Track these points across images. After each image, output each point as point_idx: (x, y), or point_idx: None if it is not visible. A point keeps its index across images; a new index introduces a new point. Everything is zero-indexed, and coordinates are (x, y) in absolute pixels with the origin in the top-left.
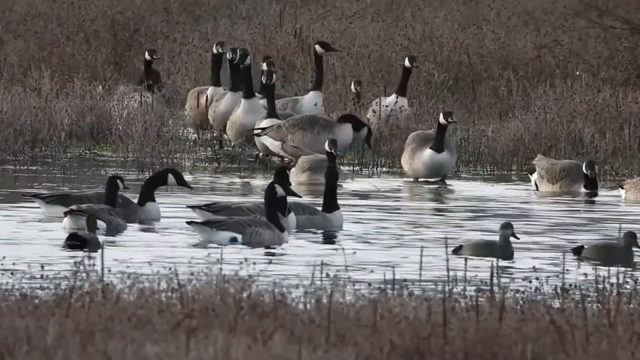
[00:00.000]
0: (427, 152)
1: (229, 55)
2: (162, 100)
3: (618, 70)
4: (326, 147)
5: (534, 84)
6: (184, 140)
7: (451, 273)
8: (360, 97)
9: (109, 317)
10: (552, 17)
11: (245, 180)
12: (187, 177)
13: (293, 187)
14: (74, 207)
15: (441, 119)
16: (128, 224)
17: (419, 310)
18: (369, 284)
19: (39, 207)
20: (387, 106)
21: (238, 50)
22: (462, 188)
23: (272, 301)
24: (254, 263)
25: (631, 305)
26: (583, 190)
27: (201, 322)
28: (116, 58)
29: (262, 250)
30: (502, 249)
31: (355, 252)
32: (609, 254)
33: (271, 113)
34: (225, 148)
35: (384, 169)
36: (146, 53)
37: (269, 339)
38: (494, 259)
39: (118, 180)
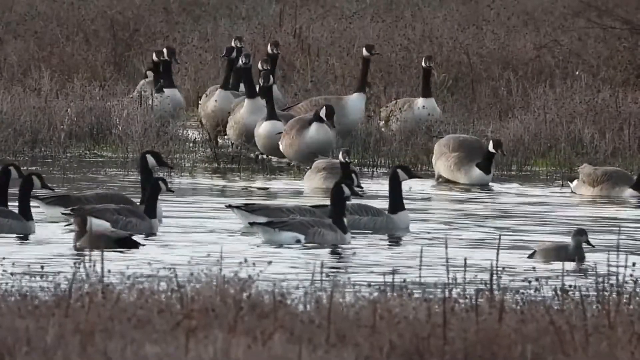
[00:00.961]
0: (477, 172)
1: (242, 61)
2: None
3: (618, 70)
4: (340, 157)
5: (534, 84)
6: (184, 140)
7: (451, 274)
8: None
9: (108, 317)
10: (551, 17)
11: (246, 180)
12: (187, 178)
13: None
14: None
15: (490, 148)
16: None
17: (418, 311)
18: (369, 285)
19: (38, 208)
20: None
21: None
22: (494, 190)
23: (272, 301)
24: (254, 264)
25: (631, 306)
26: (630, 193)
27: (201, 322)
28: (116, 58)
29: (262, 250)
30: (576, 254)
31: (355, 253)
32: (558, 254)
33: (271, 115)
34: (225, 150)
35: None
36: (153, 54)
37: (269, 339)
38: (567, 262)
39: (161, 182)
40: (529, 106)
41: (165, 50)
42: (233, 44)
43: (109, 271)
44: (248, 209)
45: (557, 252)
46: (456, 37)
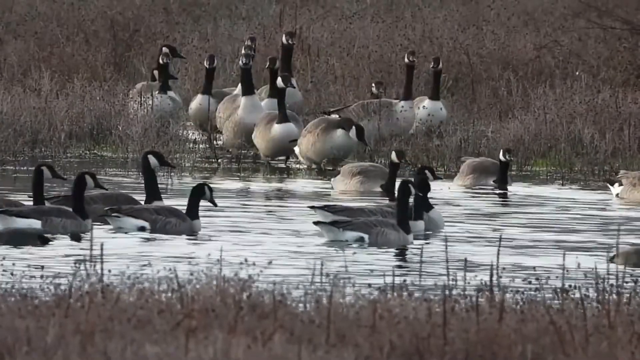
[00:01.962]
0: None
1: (242, 61)
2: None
3: (618, 70)
4: (394, 158)
5: (534, 85)
6: (184, 140)
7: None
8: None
9: (108, 317)
10: (551, 18)
11: (246, 181)
12: (187, 179)
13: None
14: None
15: (501, 157)
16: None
17: (418, 311)
18: (369, 285)
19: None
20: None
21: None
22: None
23: (272, 301)
24: (254, 264)
25: (631, 306)
26: None
27: (201, 322)
28: (116, 58)
29: (262, 251)
30: None
31: (355, 253)
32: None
33: (283, 118)
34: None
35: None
36: (160, 57)
37: (269, 339)
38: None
39: (205, 188)
40: (529, 106)
41: (166, 50)
42: (244, 49)
43: (109, 271)
44: (330, 209)
45: (639, 256)
46: (456, 38)
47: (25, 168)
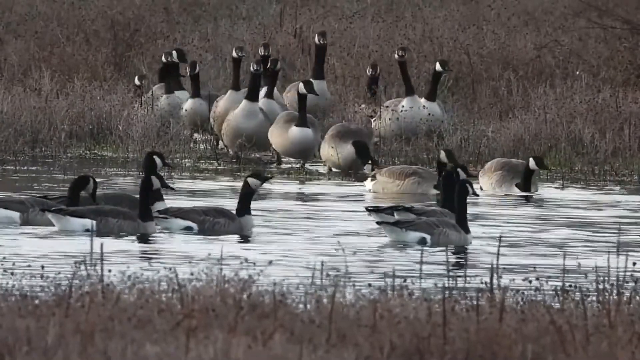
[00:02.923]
0: (516, 192)
1: (253, 67)
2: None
3: (618, 70)
4: (443, 158)
5: (534, 84)
6: (184, 140)
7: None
8: (377, 82)
9: (109, 317)
10: (552, 17)
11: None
12: (188, 179)
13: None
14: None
15: (531, 164)
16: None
17: (419, 311)
18: (369, 284)
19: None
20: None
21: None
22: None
23: (272, 301)
24: (254, 263)
25: (631, 305)
26: None
27: (201, 322)
28: (116, 58)
29: (262, 250)
30: None
31: (355, 253)
32: None
33: (302, 121)
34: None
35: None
36: (162, 56)
37: (269, 339)
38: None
39: (255, 179)
40: (529, 106)
41: (174, 52)
42: (235, 54)
43: (109, 271)
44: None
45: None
46: (457, 37)
47: (25, 168)
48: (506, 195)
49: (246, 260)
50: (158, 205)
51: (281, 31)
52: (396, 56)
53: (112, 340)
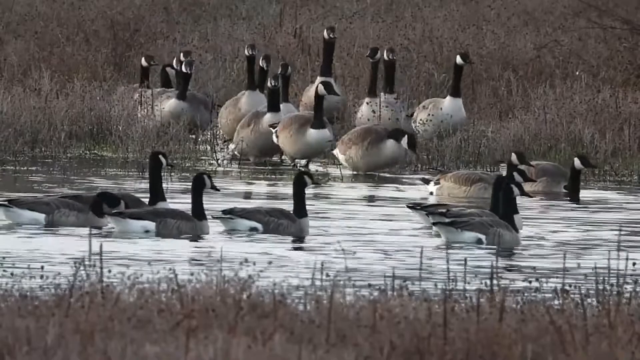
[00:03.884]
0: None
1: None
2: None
3: (618, 70)
4: (514, 160)
5: (534, 84)
6: (184, 140)
7: (451, 274)
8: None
9: (108, 317)
10: (552, 17)
11: (246, 181)
12: (188, 179)
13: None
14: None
15: (576, 164)
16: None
17: (418, 311)
18: (369, 285)
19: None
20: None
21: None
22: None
23: (272, 301)
24: (254, 263)
25: (631, 306)
26: None
27: (201, 322)
28: (116, 58)
29: (262, 250)
30: None
31: (355, 253)
32: None
33: (319, 123)
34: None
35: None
36: (142, 59)
37: (269, 339)
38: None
39: (306, 177)
40: (529, 106)
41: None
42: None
43: (109, 271)
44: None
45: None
46: (456, 37)
47: (25, 168)
48: (554, 198)
49: (246, 260)
50: (160, 205)
51: (281, 31)
52: (385, 57)
53: (112, 340)
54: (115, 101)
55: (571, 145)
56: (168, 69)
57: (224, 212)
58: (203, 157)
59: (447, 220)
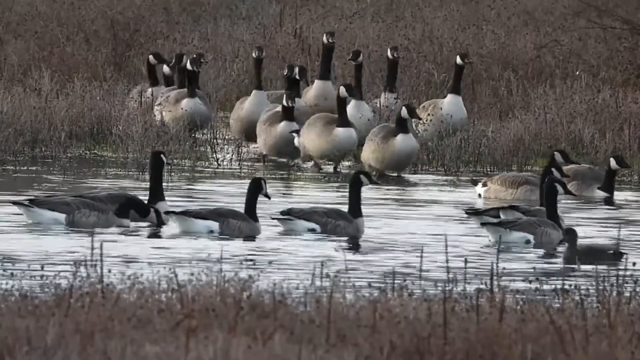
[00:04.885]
0: (600, 194)
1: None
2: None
3: (618, 70)
4: (558, 158)
5: (534, 84)
6: (184, 140)
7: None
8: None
9: (108, 317)
10: (552, 17)
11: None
12: (188, 179)
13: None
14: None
15: (612, 164)
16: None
17: (418, 311)
18: (369, 284)
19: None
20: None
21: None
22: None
23: (272, 301)
24: (254, 264)
25: (631, 306)
26: None
27: (201, 322)
28: (116, 58)
29: (262, 250)
30: None
31: (355, 253)
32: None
33: (344, 122)
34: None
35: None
36: (150, 57)
37: (269, 339)
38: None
39: (363, 176)
40: (529, 106)
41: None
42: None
43: (109, 271)
44: (519, 210)
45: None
46: (456, 37)
47: (25, 168)
48: (589, 199)
49: (246, 260)
50: (161, 206)
51: (281, 31)
52: (390, 56)
53: (112, 340)
54: (129, 101)
55: (571, 145)
56: (164, 67)
57: (282, 212)
58: (203, 158)
59: (495, 220)
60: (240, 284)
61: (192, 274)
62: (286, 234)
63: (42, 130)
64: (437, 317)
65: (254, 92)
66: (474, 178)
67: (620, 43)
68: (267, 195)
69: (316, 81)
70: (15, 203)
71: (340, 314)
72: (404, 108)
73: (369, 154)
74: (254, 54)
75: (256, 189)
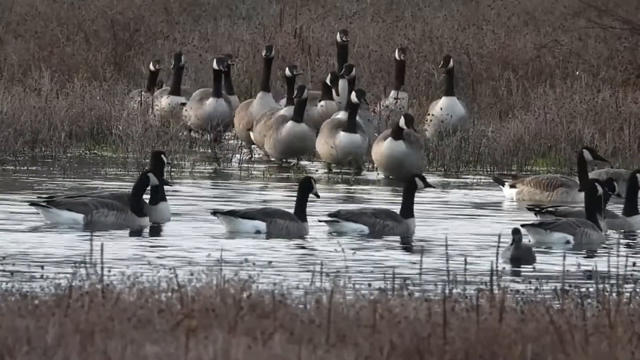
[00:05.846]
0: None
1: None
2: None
3: (618, 70)
4: (587, 156)
5: (534, 84)
6: (184, 140)
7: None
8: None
9: (108, 317)
10: (552, 17)
11: (246, 181)
12: (188, 179)
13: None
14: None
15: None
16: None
17: (418, 311)
18: (369, 284)
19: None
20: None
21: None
22: None
23: (272, 301)
24: (254, 264)
25: (631, 306)
26: None
27: (201, 322)
28: (116, 58)
29: (262, 250)
30: None
31: (355, 252)
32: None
33: (351, 127)
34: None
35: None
36: (150, 64)
37: (269, 339)
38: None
39: (419, 179)
40: (529, 106)
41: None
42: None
43: (109, 271)
44: (557, 212)
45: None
46: (456, 37)
47: (25, 168)
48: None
49: (246, 260)
50: (161, 206)
51: (281, 31)
52: (397, 57)
53: (112, 340)
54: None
55: (571, 145)
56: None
57: (331, 215)
58: (203, 157)
59: (535, 221)
60: (240, 284)
61: (192, 274)
62: (243, 233)
63: (42, 130)
64: (437, 317)
65: (260, 93)
66: (497, 176)
67: (620, 43)
68: (316, 195)
69: (340, 81)
70: (32, 204)
71: (340, 314)
72: (402, 117)
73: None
74: (263, 54)
75: (307, 189)
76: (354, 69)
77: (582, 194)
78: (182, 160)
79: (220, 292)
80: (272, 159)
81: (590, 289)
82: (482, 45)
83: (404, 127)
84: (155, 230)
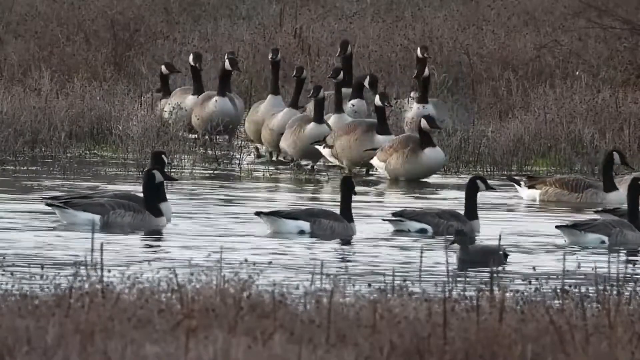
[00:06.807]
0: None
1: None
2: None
3: (618, 70)
4: (617, 160)
5: (534, 84)
6: (184, 140)
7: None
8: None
9: (108, 317)
10: (552, 17)
11: (246, 180)
12: (187, 179)
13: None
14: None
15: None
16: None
17: (418, 311)
18: (369, 285)
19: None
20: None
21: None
22: None
23: (272, 301)
24: (254, 264)
25: (631, 306)
26: None
27: (201, 322)
28: (116, 58)
29: (262, 250)
30: None
31: (355, 253)
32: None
33: (384, 129)
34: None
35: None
36: (162, 67)
37: (269, 339)
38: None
39: (480, 181)
40: (529, 106)
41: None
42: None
43: (109, 271)
44: (616, 212)
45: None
46: (456, 37)
47: (25, 168)
48: None
49: (246, 260)
50: (162, 206)
51: (281, 31)
52: (419, 55)
53: (112, 340)
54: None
55: (571, 145)
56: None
57: (394, 214)
58: (204, 157)
59: (569, 222)
60: (240, 284)
61: (191, 274)
62: (285, 234)
63: (42, 130)
64: (437, 317)
65: (269, 96)
66: (513, 177)
67: (620, 43)
68: (354, 192)
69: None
70: (49, 204)
71: (340, 314)
72: (423, 120)
73: (395, 164)
74: (269, 57)
75: (349, 188)
76: (341, 72)
77: (610, 195)
78: (182, 160)
79: (220, 292)
80: (273, 159)
81: (590, 289)
82: (482, 45)
83: (427, 128)
84: (156, 230)
